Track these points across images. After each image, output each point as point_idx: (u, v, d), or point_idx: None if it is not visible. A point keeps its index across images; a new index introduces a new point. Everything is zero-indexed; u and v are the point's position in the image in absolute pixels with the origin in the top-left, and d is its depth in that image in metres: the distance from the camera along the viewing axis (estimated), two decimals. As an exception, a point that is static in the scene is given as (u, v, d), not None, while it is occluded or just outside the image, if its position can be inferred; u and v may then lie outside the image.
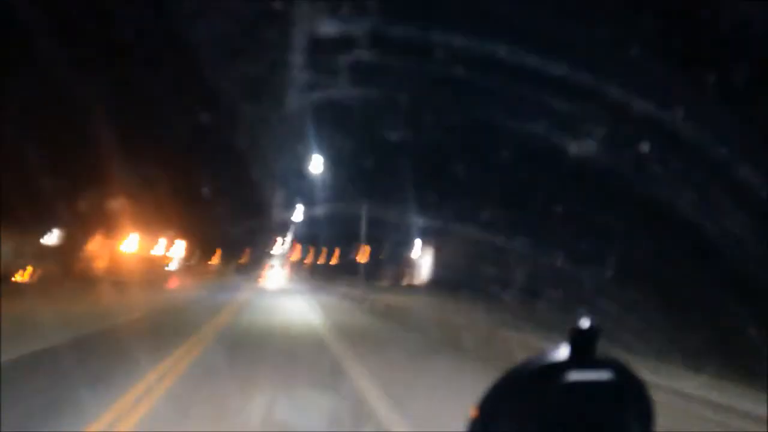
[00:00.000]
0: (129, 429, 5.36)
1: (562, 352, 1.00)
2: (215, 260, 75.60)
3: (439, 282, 37.34)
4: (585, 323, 0.99)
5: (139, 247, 51.00)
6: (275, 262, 69.17)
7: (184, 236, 63.60)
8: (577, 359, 0.99)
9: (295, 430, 5.83)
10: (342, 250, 65.38)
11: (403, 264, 49.66)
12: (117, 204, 34.95)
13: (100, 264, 39.33)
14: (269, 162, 50.50)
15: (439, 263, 42.16)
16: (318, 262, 70.43)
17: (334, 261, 67.69)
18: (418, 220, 42.74)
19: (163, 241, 59.35)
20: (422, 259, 45.16)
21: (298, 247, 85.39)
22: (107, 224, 37.19)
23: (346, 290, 30.00)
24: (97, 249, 39.41)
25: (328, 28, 13.56)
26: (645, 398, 1.03)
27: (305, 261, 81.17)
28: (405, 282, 42.97)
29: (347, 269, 60.60)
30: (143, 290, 28.95)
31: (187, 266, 66.61)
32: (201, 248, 70.84)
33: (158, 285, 33.17)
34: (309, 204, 51.76)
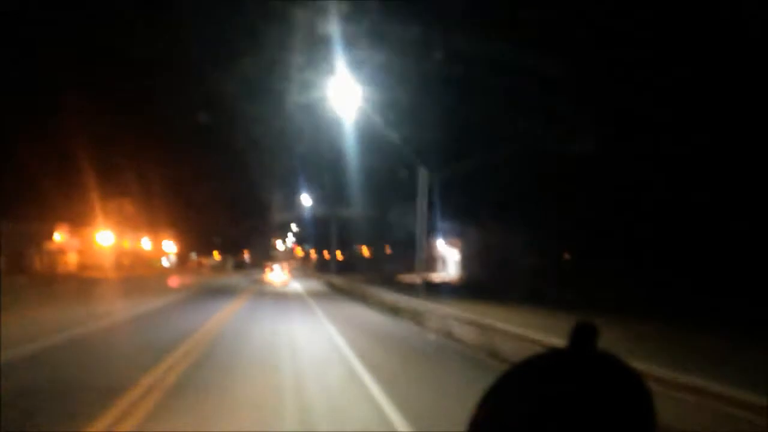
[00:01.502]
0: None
1: (562, 350, 1.00)
2: (213, 258, 69.69)
3: (478, 278, 31.29)
4: (584, 321, 1.01)
5: (124, 241, 45.22)
6: (278, 259, 63.45)
7: (180, 231, 57.93)
8: (577, 357, 0.99)
9: None
10: (343, 247, 60.90)
11: (425, 258, 43.67)
12: (94, 192, 29.13)
13: (70, 259, 33.41)
14: (270, 161, 46.48)
15: (471, 256, 36.02)
16: (325, 260, 65.11)
17: (340, 260, 62.75)
18: (439, 209, 36.67)
19: (155, 236, 53.64)
20: (448, 252, 39.04)
21: (301, 245, 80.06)
22: (79, 213, 31.36)
23: (381, 296, 18.83)
24: (67, 241, 33.42)
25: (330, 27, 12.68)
26: (645, 394, 1.00)
27: (310, 257, 76.35)
28: (436, 279, 36.86)
29: (357, 266, 55.04)
30: (109, 293, 22.91)
31: (182, 263, 60.77)
32: (199, 244, 65.12)
33: (143, 283, 27.00)
34: (311, 202, 46.80)
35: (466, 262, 36.70)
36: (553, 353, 1.02)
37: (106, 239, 33.88)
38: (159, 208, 45.78)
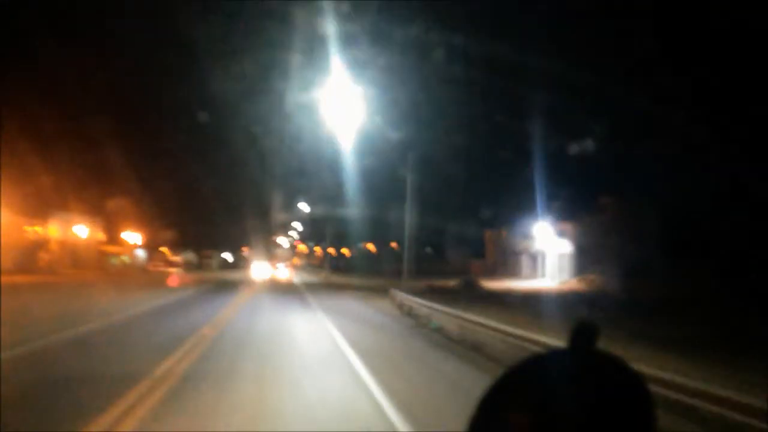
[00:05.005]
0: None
1: (562, 349, 0.97)
2: (191, 254, 55.53)
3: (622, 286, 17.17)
4: (584, 321, 0.97)
5: (50, 228, 30.99)
6: (280, 257, 51.28)
7: (149, 222, 43.73)
8: (577, 356, 0.96)
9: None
10: (346, 244, 56.06)
11: (506, 256, 29.06)
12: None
13: None
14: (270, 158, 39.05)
15: (593, 253, 21.54)
16: (344, 257, 53.89)
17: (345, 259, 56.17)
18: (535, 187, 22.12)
19: (111, 225, 39.53)
20: (551, 244, 24.42)
21: (305, 241, 68.00)
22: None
23: None
24: None
25: (329, 27, 12.70)
26: (644, 392, 0.99)
27: (315, 254, 64.72)
28: (535, 282, 22.39)
29: (374, 265, 42.22)
30: None
31: (148, 260, 46.39)
32: (184, 240, 51.05)
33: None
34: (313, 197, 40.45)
35: (584, 259, 22.22)
36: (552, 353, 0.99)
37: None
38: (115, 192, 33.19)
